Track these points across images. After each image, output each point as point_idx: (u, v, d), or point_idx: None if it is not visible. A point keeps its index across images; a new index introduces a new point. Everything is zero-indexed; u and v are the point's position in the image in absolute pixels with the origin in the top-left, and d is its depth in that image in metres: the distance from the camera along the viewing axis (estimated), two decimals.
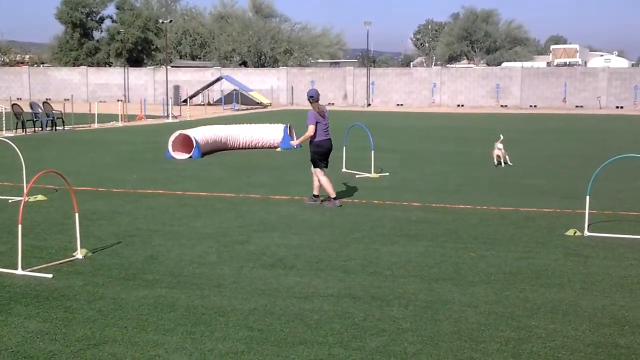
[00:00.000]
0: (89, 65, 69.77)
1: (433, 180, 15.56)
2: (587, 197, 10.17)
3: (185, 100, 50.51)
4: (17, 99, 54.16)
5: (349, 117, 40.10)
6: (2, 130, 27.75)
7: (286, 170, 16.74)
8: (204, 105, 51.59)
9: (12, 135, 26.43)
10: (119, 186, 14.37)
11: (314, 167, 12.28)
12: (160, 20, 57.05)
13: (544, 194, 13.65)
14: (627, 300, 7.04)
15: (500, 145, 17.98)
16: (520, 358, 5.61)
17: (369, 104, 58.21)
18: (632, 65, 74.56)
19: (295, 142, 13.01)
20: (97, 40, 77.84)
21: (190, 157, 19.32)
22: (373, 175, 15.90)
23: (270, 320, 6.42)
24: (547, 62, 76.15)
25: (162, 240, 9.59)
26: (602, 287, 7.50)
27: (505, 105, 55.38)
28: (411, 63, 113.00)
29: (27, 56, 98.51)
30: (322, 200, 12.39)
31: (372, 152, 16.22)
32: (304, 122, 12.34)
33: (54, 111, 30.60)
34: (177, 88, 56.39)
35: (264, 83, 60.12)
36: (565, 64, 67.57)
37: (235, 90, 53.77)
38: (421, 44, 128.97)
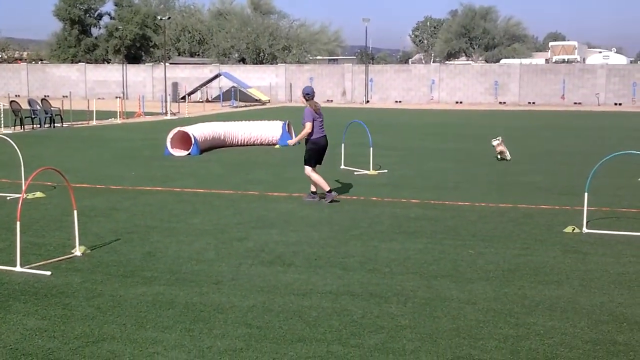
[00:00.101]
0: (87, 62, 69.67)
1: (432, 177, 15.57)
2: (586, 194, 10.17)
3: (183, 97, 50.46)
4: (16, 95, 54.04)
5: (348, 114, 40.08)
6: (1, 127, 27.72)
7: (284, 167, 16.74)
8: (202, 102, 51.53)
9: (11, 132, 26.42)
10: (118, 183, 14.37)
11: (306, 164, 12.26)
12: (159, 17, 57.03)
13: (542, 190, 13.66)
14: (626, 297, 7.05)
15: (496, 142, 18.41)
16: (519, 355, 5.61)
17: (368, 101, 58.20)
18: (631, 62, 74.68)
19: (292, 141, 12.95)
20: (96, 37, 77.71)
21: (189, 154, 19.31)
22: (371, 172, 15.90)
23: (269, 318, 6.42)
24: (546, 59, 76.17)
25: (160, 237, 9.59)
26: (600, 284, 7.50)
27: (504, 102, 55.38)
28: (410, 60, 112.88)
29: (26, 53, 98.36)
30: (320, 197, 12.39)
31: (371, 149, 16.22)
32: (302, 119, 12.34)
33: (52, 108, 30.58)
34: (175, 85, 56.34)
35: (263, 80, 60.08)
36: (563, 61, 67.56)
37: (233, 87, 53.72)
38: (420, 41, 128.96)
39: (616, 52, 78.64)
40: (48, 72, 65.37)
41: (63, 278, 7.64)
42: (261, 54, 77.14)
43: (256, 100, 54.81)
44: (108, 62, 74.56)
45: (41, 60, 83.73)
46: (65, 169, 12.96)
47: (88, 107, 34.23)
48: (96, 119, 33.15)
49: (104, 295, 7.07)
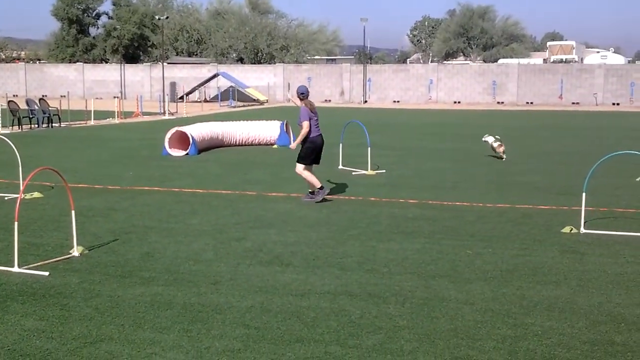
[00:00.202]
0: (85, 62, 69.64)
1: (430, 177, 15.57)
2: (584, 194, 10.17)
3: (181, 97, 50.45)
4: (13, 95, 54.06)
5: (346, 113, 40.09)
6: None
7: (283, 167, 16.72)
8: (200, 102, 51.51)
9: (8, 132, 26.39)
10: (115, 183, 14.36)
11: (299, 162, 12.23)
12: (157, 17, 56.97)
13: (540, 191, 13.66)
14: (624, 298, 7.05)
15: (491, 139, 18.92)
16: (517, 355, 5.61)
17: (366, 101, 58.21)
18: (629, 61, 74.65)
19: (294, 144, 12.62)
20: (94, 37, 77.71)
21: (187, 154, 19.30)
22: (370, 172, 15.90)
23: (267, 318, 6.42)
24: (544, 59, 76.18)
25: (158, 237, 9.58)
26: (598, 284, 7.51)
27: (502, 102, 55.41)
28: (408, 60, 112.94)
29: (23, 52, 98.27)
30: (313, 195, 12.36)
31: (369, 149, 16.22)
32: (298, 119, 12.34)
33: (50, 108, 30.56)
34: (173, 85, 56.33)
35: (261, 80, 60.08)
36: (561, 61, 67.60)
37: (231, 87, 53.72)
38: (418, 41, 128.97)
39: (614, 52, 78.68)
40: (46, 71, 65.32)
41: (61, 278, 7.64)
42: (259, 54, 77.13)
43: (254, 100, 54.80)
44: (106, 62, 74.52)
45: (39, 59, 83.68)
46: (63, 169, 12.95)
47: (86, 107, 34.21)
48: (94, 119, 33.13)
49: (102, 295, 7.06)
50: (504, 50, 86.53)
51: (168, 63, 62.98)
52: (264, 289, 7.27)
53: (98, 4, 76.65)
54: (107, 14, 78.10)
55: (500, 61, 69.97)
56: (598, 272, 7.98)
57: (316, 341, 5.89)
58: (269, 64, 69.80)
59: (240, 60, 76.11)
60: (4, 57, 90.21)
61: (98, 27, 78.57)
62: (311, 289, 7.30)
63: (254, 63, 73.19)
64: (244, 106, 50.43)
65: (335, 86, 59.62)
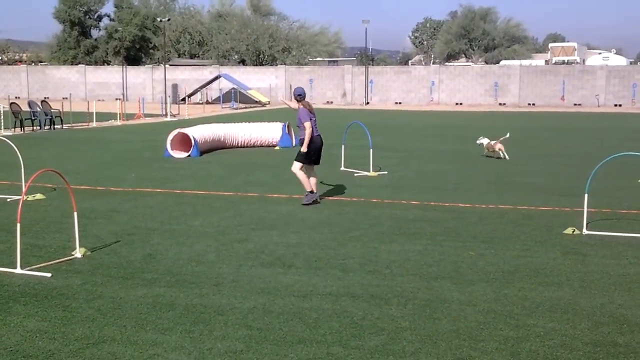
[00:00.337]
0: (87, 64, 69.70)
1: (431, 178, 15.57)
2: (586, 195, 10.17)
3: (183, 99, 50.47)
4: (16, 97, 54.06)
5: (348, 115, 40.11)
6: (1, 129, 27.71)
7: (284, 168, 16.67)
8: (202, 103, 51.54)
9: (11, 134, 26.41)
10: (118, 185, 14.37)
11: (297, 161, 12.19)
12: (159, 19, 57.03)
13: (542, 192, 13.66)
14: (626, 299, 7.05)
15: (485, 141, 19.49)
16: (519, 357, 5.61)
17: (368, 102, 58.20)
18: (631, 63, 74.63)
19: (304, 147, 12.22)
20: (96, 39, 77.75)
21: (189, 155, 19.32)
22: (371, 173, 15.91)
23: (269, 319, 6.42)
24: (546, 60, 76.17)
25: (160, 239, 9.59)
26: (600, 285, 7.50)
27: (504, 104, 55.37)
28: (409, 61, 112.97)
29: (25, 55, 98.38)
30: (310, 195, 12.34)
31: (371, 150, 16.22)
32: (297, 121, 12.30)
33: (52, 110, 30.57)
34: (175, 86, 56.37)
35: (263, 81, 60.08)
36: (563, 62, 67.59)
37: (233, 88, 53.74)
38: (419, 42, 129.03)
39: (616, 54, 78.58)
40: (48, 73, 65.38)
41: (63, 280, 7.65)
42: (261, 56, 77.17)
43: (256, 101, 54.81)
44: (108, 64, 74.57)
45: (41, 62, 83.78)
46: (65, 171, 12.96)
47: (88, 109, 34.23)
48: (96, 121, 33.15)
49: (104, 297, 7.07)
50: (505, 52, 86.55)
51: (170, 65, 63.08)
52: (266, 290, 7.27)
53: (100, 6, 76.67)
54: (108, 16, 78.19)
55: (502, 63, 69.96)
56: (600, 273, 7.97)
57: (318, 342, 5.89)
58: (271, 65, 69.85)
59: (242, 62, 76.16)
60: (6, 59, 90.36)
61: (100, 29, 78.66)
62: (313, 290, 7.30)
63: (256, 65, 73.23)
64: (245, 108, 50.45)
65: (337, 88, 59.61)
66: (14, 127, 28.18)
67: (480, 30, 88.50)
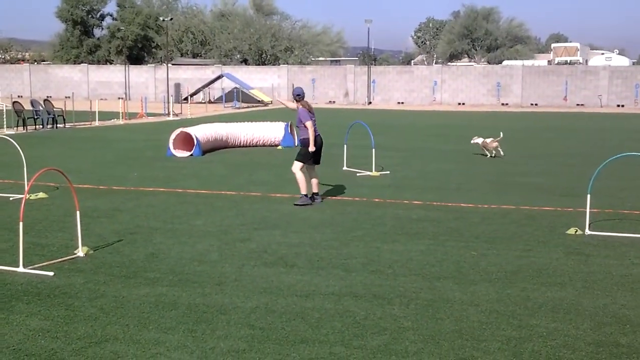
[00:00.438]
0: (90, 63, 69.73)
1: (434, 178, 15.56)
2: (588, 196, 10.16)
3: (186, 98, 50.46)
4: (18, 96, 54.11)
5: (350, 115, 40.11)
6: (3, 127, 27.75)
7: (287, 168, 16.64)
8: (204, 103, 51.52)
9: (13, 132, 26.44)
10: (120, 184, 14.38)
11: (298, 161, 12.18)
12: (161, 18, 57.00)
13: (544, 192, 13.65)
14: (629, 299, 7.04)
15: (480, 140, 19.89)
16: (522, 357, 5.61)
17: (370, 102, 58.18)
18: (633, 63, 74.58)
19: (312, 148, 12.14)
20: (98, 38, 77.84)
21: (191, 155, 19.32)
22: (374, 173, 15.90)
23: (272, 319, 6.42)
24: (548, 61, 76.10)
25: (163, 238, 9.59)
26: (603, 285, 7.50)
27: (506, 104, 55.33)
28: (412, 61, 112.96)
29: (28, 54, 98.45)
30: (314, 197, 12.33)
31: (373, 150, 16.22)
32: (298, 121, 12.29)
33: (54, 109, 30.61)
34: (178, 86, 56.34)
35: (265, 81, 60.07)
36: (566, 63, 67.52)
37: (236, 88, 53.73)
38: (422, 42, 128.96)
39: (619, 54, 78.61)
40: (50, 72, 65.41)
41: (66, 279, 7.65)
42: (263, 55, 77.13)
43: (259, 101, 54.80)
44: (110, 63, 74.62)
45: (44, 61, 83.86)
46: (68, 170, 12.97)
47: (90, 108, 34.29)
48: (99, 120, 33.18)
49: (106, 296, 7.07)
50: (508, 52, 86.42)
51: (172, 64, 63.04)
52: (268, 290, 7.27)
53: (102, 5, 76.76)
54: (111, 15, 78.32)
55: (505, 63, 69.90)
56: (603, 273, 7.97)
57: (321, 342, 5.89)
58: (273, 65, 69.83)
59: (245, 62, 76.13)
60: (8, 58, 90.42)
61: (102, 29, 78.75)
62: (315, 290, 7.30)
63: (258, 64, 73.22)
64: (248, 107, 50.45)
65: (339, 87, 59.59)
66: (17, 126, 28.20)
67: (482, 30, 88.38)
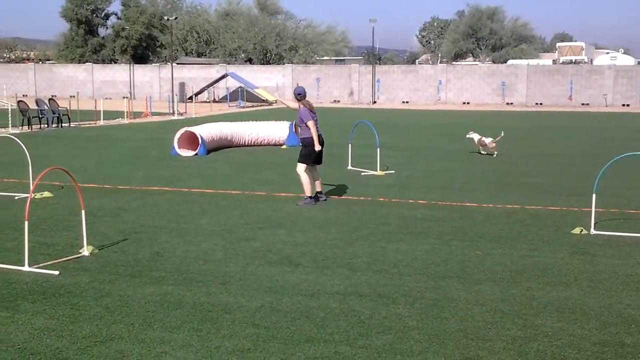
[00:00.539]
0: (95, 62, 69.83)
1: (439, 177, 15.55)
2: (594, 195, 10.14)
3: (190, 97, 50.53)
4: (23, 95, 54.15)
5: (355, 114, 40.10)
6: (8, 126, 27.80)
7: (292, 167, 16.64)
8: (209, 102, 51.56)
9: (18, 131, 26.50)
10: (125, 183, 14.40)
11: (302, 162, 12.18)
12: (166, 17, 57.09)
13: (549, 191, 13.63)
14: (634, 299, 7.03)
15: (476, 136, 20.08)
16: (527, 356, 5.60)
17: (375, 102, 58.17)
18: (638, 63, 74.33)
19: (317, 147, 12.15)
20: (103, 37, 77.95)
21: (196, 154, 19.34)
22: (379, 172, 15.90)
23: (277, 318, 6.42)
24: (553, 60, 75.92)
25: (167, 237, 9.60)
26: (608, 285, 7.48)
27: (511, 103, 55.27)
28: (417, 60, 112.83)
29: (33, 53, 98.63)
30: (317, 197, 12.32)
31: (378, 149, 16.21)
32: (299, 121, 12.28)
33: (59, 108, 30.67)
34: (182, 85, 56.43)
35: (269, 80, 60.09)
36: (571, 62, 67.39)
37: (240, 87, 53.76)
38: (427, 42, 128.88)
39: (624, 53, 78.28)
40: (55, 72, 65.52)
41: (71, 278, 7.67)
42: (268, 55, 77.18)
43: (263, 100, 54.82)
44: (115, 62, 74.72)
45: (48, 60, 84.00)
46: (73, 169, 12.99)
47: (95, 107, 34.31)
48: (103, 119, 33.22)
49: (112, 295, 7.08)
50: (513, 51, 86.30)
51: (177, 63, 63.08)
52: (273, 289, 7.27)
53: (107, 4, 76.87)
54: (116, 15, 78.41)
55: (510, 62, 69.78)
56: (608, 273, 7.95)
57: (326, 341, 5.89)
58: (278, 64, 69.84)
59: (249, 61, 76.18)
60: (13, 57, 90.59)
61: (107, 28, 78.89)
62: (320, 289, 7.30)
63: (263, 64, 73.25)
64: (252, 106, 50.47)
65: (344, 87, 59.60)
66: (22, 125, 28.26)
67: (487, 29, 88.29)
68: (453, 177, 15.65)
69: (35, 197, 12.20)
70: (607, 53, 76.24)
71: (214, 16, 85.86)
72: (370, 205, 12.16)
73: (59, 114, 30.09)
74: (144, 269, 8.03)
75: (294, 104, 12.33)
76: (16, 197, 12.42)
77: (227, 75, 56.27)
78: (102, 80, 63.74)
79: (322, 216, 11.12)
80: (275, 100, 53.96)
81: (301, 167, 12.15)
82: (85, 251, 8.64)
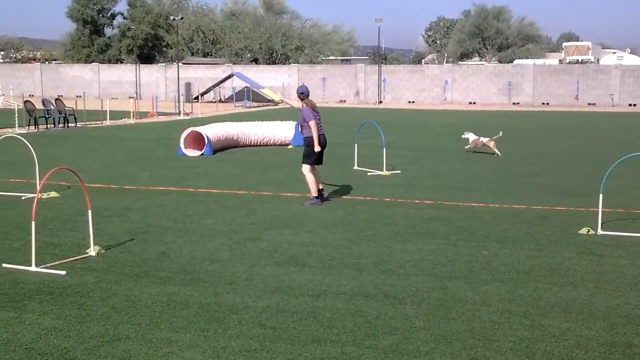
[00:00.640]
0: (101, 62, 69.95)
1: (445, 177, 15.53)
2: (601, 195, 10.12)
3: (196, 97, 50.56)
4: (30, 95, 54.36)
5: (361, 114, 40.08)
6: (15, 126, 27.85)
7: (298, 167, 16.60)
8: (215, 102, 51.60)
9: (25, 132, 26.55)
10: (131, 183, 14.41)
11: (304, 163, 12.17)
12: (172, 17, 57.15)
13: (556, 192, 13.60)
14: None
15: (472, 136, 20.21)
16: (534, 357, 5.59)
17: (381, 101, 58.12)
18: None
19: (317, 148, 12.18)
20: (109, 37, 78.11)
21: (202, 154, 19.35)
22: (385, 172, 15.89)
23: (283, 318, 6.42)
24: (560, 60, 75.80)
25: (174, 237, 9.61)
26: (615, 285, 7.46)
27: (517, 103, 55.16)
28: (423, 60, 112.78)
29: (39, 53, 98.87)
30: (323, 197, 12.32)
31: (384, 149, 16.20)
32: (301, 120, 12.28)
33: (66, 108, 30.72)
34: (188, 85, 56.45)
35: (275, 80, 60.09)
36: (577, 62, 67.25)
37: (246, 87, 53.78)
38: (433, 41, 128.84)
39: (630, 53, 78.12)
40: (62, 72, 65.62)
41: (78, 278, 7.68)
42: (274, 54, 77.21)
43: (269, 100, 54.83)
44: (121, 62, 74.85)
45: (55, 60, 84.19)
46: (79, 169, 13.00)
47: (102, 107, 34.38)
48: (110, 119, 33.28)
49: (118, 295, 7.09)
50: (519, 51, 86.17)
51: (183, 63, 63.16)
52: (279, 289, 7.27)
53: (113, 4, 77.02)
54: (122, 15, 78.57)
55: (516, 62, 69.67)
56: (616, 273, 7.93)
57: (332, 341, 5.89)
58: (284, 64, 69.85)
59: (255, 61, 76.21)
60: (20, 57, 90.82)
61: (113, 28, 79.02)
62: (327, 289, 7.30)
63: (269, 63, 73.28)
64: (258, 106, 50.49)
65: (350, 87, 59.57)
66: (28, 125, 28.31)
67: (493, 29, 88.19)
68: (459, 177, 15.63)
69: (42, 197, 12.23)
70: (614, 53, 76.08)
71: (220, 16, 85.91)
72: (376, 205, 12.15)
73: (65, 114, 30.14)
74: (150, 269, 8.04)
75: (297, 103, 12.34)
76: (23, 197, 12.45)
77: (233, 75, 56.29)
78: (108, 80, 63.82)
79: (328, 216, 11.12)
80: (281, 100, 54.00)
81: (306, 168, 12.16)
82: (92, 251, 8.65)
